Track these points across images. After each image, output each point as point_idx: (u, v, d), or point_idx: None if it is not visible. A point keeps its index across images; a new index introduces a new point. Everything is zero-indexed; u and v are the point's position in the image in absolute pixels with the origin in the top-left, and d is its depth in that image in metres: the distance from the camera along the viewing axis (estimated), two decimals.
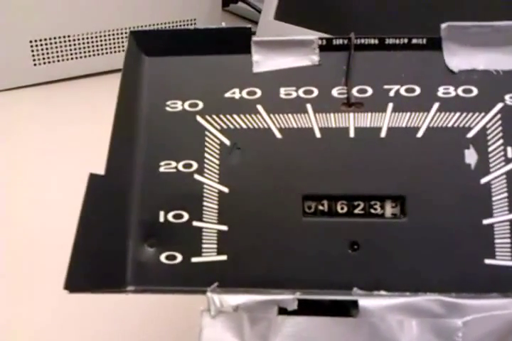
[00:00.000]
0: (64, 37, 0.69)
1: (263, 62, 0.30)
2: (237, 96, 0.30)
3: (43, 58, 0.69)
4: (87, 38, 0.70)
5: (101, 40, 0.71)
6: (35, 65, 0.69)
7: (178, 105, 0.30)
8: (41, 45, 0.68)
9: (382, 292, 0.26)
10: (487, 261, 0.27)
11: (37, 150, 0.59)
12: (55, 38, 0.68)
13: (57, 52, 0.69)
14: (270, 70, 0.30)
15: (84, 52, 0.71)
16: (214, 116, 0.30)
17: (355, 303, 0.24)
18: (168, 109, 0.30)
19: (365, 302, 0.23)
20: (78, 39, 0.70)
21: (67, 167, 0.54)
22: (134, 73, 0.30)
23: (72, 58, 0.70)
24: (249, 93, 0.30)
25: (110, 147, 0.28)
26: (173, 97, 0.30)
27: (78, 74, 0.71)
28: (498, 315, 0.23)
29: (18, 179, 0.54)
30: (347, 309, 0.24)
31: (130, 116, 0.30)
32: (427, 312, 0.24)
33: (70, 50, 0.70)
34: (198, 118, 0.30)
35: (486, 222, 0.27)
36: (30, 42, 0.67)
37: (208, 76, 0.30)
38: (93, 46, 0.71)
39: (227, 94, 0.30)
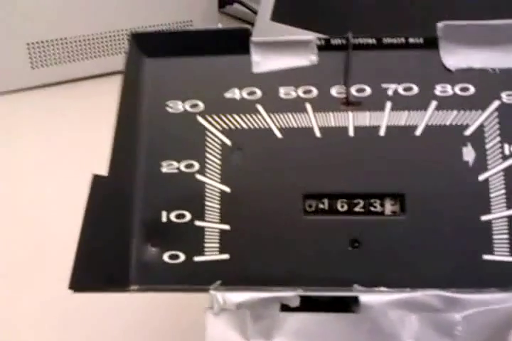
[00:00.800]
0: (61, 39, 0.69)
1: (262, 62, 0.31)
2: (237, 96, 0.30)
3: (41, 61, 0.69)
4: (85, 40, 0.70)
5: (98, 42, 0.71)
6: (32, 67, 0.69)
7: (179, 106, 0.30)
8: (39, 47, 0.68)
9: (383, 288, 0.26)
10: (485, 257, 0.27)
11: (36, 152, 0.59)
12: (52, 41, 0.68)
13: (54, 54, 0.69)
14: (270, 70, 0.30)
15: (82, 54, 0.71)
16: (214, 117, 0.30)
17: (356, 299, 0.24)
18: (169, 109, 0.30)
19: (366, 298, 0.24)
20: (75, 41, 0.70)
21: (66, 169, 0.55)
22: (135, 74, 0.31)
23: (69, 61, 0.70)
24: (249, 93, 0.30)
25: (112, 148, 0.28)
26: (173, 98, 0.30)
27: (76, 77, 0.71)
28: (496, 309, 0.24)
29: (17, 181, 0.54)
30: (348, 305, 0.25)
31: (131, 117, 0.30)
32: (427, 307, 0.24)
33: (68, 52, 0.70)
34: (199, 118, 0.30)
35: (484, 218, 0.28)
36: (28, 44, 0.67)
37: (208, 76, 0.31)
38: (90, 48, 0.71)
39: (228, 95, 0.30)
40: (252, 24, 0.73)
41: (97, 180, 0.26)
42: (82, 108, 0.65)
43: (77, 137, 0.60)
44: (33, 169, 0.56)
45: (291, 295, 0.24)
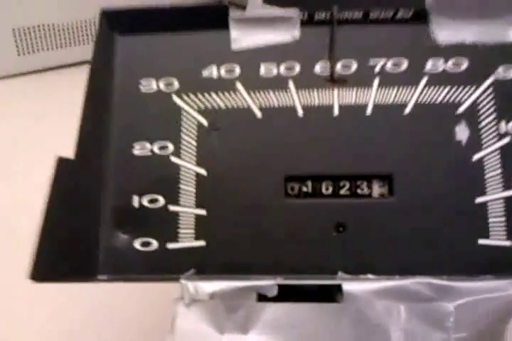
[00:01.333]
0: (48, 25, 0.67)
1: (242, 38, 0.29)
2: (215, 74, 0.28)
3: (27, 47, 0.67)
4: (72, 27, 0.68)
5: (85, 29, 0.69)
6: (19, 54, 0.67)
7: (153, 84, 0.29)
8: (25, 34, 0.66)
9: (370, 275, 0.24)
10: (481, 241, 0.26)
11: (22, 140, 0.58)
12: (38, 27, 0.67)
13: (41, 41, 0.67)
14: (250, 47, 0.29)
15: (69, 41, 0.69)
16: (191, 95, 0.28)
17: (339, 288, 0.22)
18: (142, 88, 0.29)
19: (350, 286, 0.22)
20: (62, 28, 0.68)
21: (52, 156, 0.53)
22: (106, 53, 0.29)
23: (56, 47, 0.69)
24: (227, 70, 0.28)
25: (80, 129, 0.26)
26: (147, 76, 0.29)
27: (63, 64, 0.70)
28: (492, 298, 0.22)
29: (3, 166, 0.53)
30: (332, 294, 0.23)
31: (102, 97, 0.28)
32: (415, 296, 0.22)
33: (55, 38, 0.68)
34: (174, 97, 0.28)
35: (479, 200, 0.26)
36: (14, 30, 0.65)
37: (184, 54, 0.29)
38: (77, 35, 0.69)
39: (205, 72, 0.28)
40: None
41: (62, 162, 0.24)
42: (69, 94, 0.63)
43: (65, 124, 0.58)
44: (21, 154, 0.55)
45: (269, 284, 0.22)
